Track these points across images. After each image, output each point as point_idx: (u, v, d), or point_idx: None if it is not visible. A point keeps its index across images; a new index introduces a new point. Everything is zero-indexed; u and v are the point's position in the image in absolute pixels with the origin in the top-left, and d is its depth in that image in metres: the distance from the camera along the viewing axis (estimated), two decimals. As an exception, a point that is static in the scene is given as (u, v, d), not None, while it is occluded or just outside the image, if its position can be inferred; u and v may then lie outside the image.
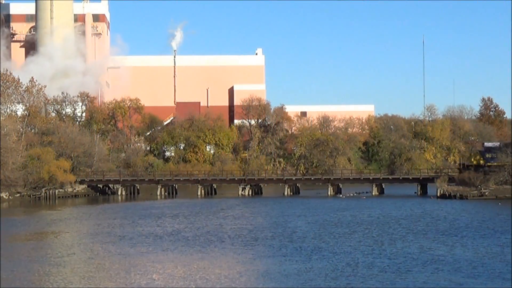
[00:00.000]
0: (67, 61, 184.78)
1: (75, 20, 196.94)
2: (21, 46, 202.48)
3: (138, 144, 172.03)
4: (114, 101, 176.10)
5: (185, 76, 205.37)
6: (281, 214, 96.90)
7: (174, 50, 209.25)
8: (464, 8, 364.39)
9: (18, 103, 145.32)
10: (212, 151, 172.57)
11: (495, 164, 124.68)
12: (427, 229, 77.07)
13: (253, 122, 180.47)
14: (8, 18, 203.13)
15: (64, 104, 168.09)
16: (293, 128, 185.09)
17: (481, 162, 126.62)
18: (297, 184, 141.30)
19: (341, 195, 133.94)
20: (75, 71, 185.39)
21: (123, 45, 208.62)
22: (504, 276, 50.60)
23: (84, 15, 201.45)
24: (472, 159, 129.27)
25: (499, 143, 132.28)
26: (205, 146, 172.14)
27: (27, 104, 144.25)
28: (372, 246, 64.46)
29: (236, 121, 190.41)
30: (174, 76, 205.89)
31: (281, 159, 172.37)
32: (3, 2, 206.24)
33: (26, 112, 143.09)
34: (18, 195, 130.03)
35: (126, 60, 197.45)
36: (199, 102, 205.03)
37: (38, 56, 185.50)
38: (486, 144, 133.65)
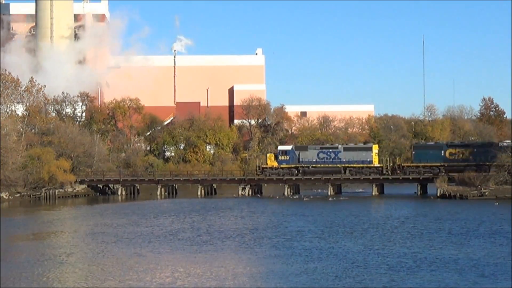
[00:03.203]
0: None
1: (75, 20, 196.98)
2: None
3: (138, 144, 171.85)
4: (114, 101, 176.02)
5: (185, 76, 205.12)
6: (282, 214, 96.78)
7: (174, 50, 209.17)
8: (464, 8, 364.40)
9: (18, 103, 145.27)
10: (212, 151, 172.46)
11: (287, 166, 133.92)
12: (431, 229, 76.92)
13: (253, 122, 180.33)
14: (8, 18, 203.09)
15: (64, 104, 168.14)
16: (293, 128, 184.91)
17: (275, 164, 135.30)
18: (297, 184, 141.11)
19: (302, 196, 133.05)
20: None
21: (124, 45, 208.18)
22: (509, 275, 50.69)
23: (84, 15, 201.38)
24: (268, 161, 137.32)
25: (291, 146, 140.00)
26: (205, 146, 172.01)
27: (27, 104, 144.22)
28: (376, 246, 64.29)
29: (236, 121, 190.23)
30: (174, 76, 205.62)
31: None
32: (3, 2, 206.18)
33: (26, 112, 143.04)
34: (18, 195, 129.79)
35: (126, 60, 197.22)
36: (199, 102, 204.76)
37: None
38: (280, 147, 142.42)
